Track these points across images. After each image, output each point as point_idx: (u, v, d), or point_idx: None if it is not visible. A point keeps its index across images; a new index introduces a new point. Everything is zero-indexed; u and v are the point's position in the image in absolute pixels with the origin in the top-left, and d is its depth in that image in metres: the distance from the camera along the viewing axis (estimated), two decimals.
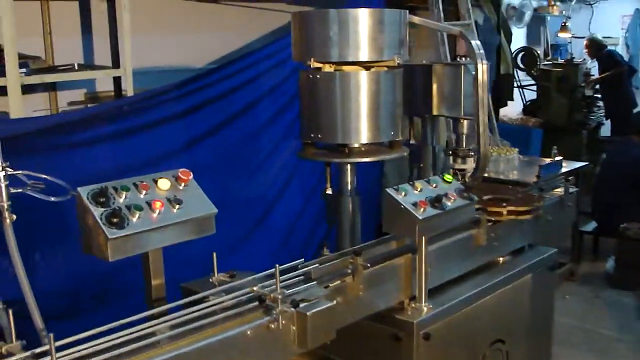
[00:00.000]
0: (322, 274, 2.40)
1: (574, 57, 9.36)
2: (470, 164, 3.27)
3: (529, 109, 9.32)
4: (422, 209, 2.45)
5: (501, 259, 3.23)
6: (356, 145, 2.88)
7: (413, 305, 2.69)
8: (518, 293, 3.16)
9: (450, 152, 3.38)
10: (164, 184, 2.21)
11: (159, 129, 4.40)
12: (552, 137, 7.64)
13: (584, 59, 9.69)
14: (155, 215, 2.11)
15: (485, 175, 3.49)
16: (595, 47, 9.64)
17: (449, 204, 2.57)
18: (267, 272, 2.26)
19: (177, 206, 2.17)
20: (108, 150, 4.17)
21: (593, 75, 9.46)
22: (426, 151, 3.47)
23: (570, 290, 5.64)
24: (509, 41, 8.34)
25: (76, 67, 4.50)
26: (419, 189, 2.56)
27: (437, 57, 5.78)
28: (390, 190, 2.50)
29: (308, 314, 2.12)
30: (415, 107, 3.42)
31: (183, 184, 2.25)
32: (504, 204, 3.11)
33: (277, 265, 2.15)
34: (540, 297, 3.39)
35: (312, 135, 2.89)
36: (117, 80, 4.70)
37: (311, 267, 2.38)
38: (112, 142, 4.18)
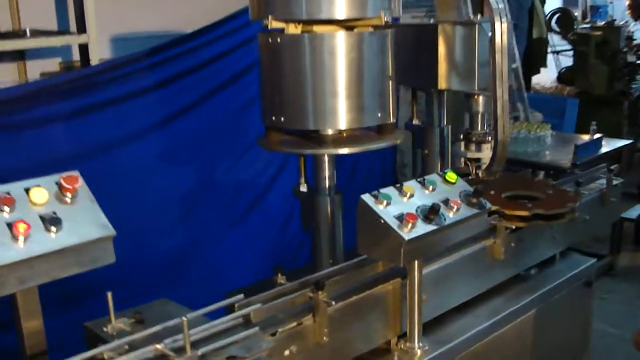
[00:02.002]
0: (268, 316, 1.74)
1: (614, 20, 8.46)
2: (486, 152, 2.56)
3: (564, 76, 8.47)
4: (409, 225, 1.76)
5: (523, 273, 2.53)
6: (331, 132, 2.19)
7: (402, 346, 2.02)
8: (546, 318, 2.46)
9: (462, 136, 2.66)
10: (39, 195, 1.56)
11: (127, 105, 3.73)
12: (589, 108, 6.85)
13: (626, 21, 8.77)
14: (19, 243, 1.47)
15: (510, 156, 2.80)
16: None
17: (450, 215, 1.87)
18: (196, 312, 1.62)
19: (54, 229, 1.51)
20: (62, 131, 3.53)
21: (636, 39, 8.56)
22: (432, 134, 2.75)
23: (609, 287, 4.89)
24: (543, 2, 7.60)
25: (28, 34, 3.87)
26: (408, 195, 1.86)
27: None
28: (366, 198, 1.81)
29: None
30: (418, 79, 2.71)
31: (69, 195, 1.59)
32: (530, 205, 2.39)
33: (185, 318, 1.48)
34: (574, 319, 2.69)
35: (275, 118, 2.20)
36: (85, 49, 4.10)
37: (252, 306, 1.71)
38: (68, 122, 3.53)
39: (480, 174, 2.43)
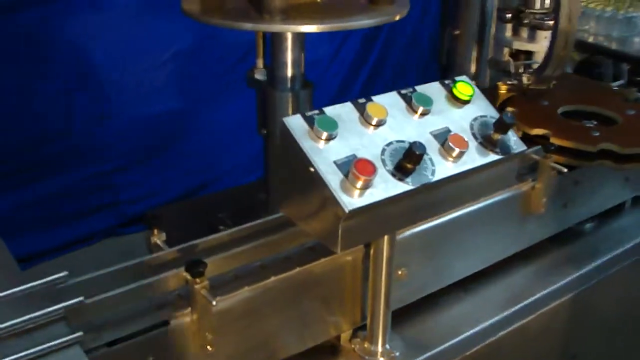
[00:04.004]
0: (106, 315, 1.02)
1: None
2: (541, 44, 1.66)
3: None
4: (359, 182, 0.96)
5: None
6: None
7: (357, 346, 1.30)
8: (599, 299, 1.68)
9: (511, 15, 1.75)
10: None
11: None
12: None
13: None
14: None
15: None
16: None
17: (445, 164, 1.06)
18: None
19: None
20: None
21: None
22: (468, 5, 1.86)
23: None
24: None
25: None
26: (373, 123, 1.04)
27: None
28: (293, 122, 1.00)
29: None
30: None
31: None
32: (597, 134, 1.54)
33: None
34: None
35: None
36: None
37: (73, 300, 0.98)
38: None
39: (525, 79, 1.56)
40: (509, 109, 1.66)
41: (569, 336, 1.64)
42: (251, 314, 1.13)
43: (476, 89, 1.17)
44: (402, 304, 1.36)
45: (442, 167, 1.04)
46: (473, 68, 1.85)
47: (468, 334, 1.39)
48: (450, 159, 1.06)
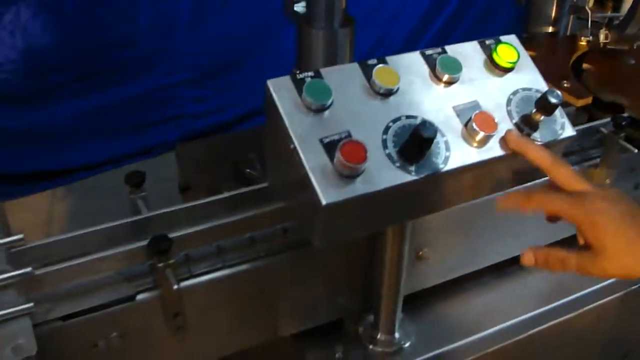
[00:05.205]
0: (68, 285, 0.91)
1: None
2: None
3: None
4: (346, 169, 0.78)
5: None
6: None
7: (362, 329, 1.16)
8: None
9: None
10: None
11: None
12: None
13: None
14: None
15: None
16: None
17: (462, 150, 0.86)
18: None
19: None
20: None
21: None
22: None
23: None
24: None
25: None
26: (381, 91, 0.85)
27: None
28: (276, 86, 0.83)
29: None
30: None
31: None
32: None
33: None
34: None
35: None
36: None
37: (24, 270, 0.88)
38: None
39: (603, 36, 1.30)
40: (585, 65, 1.41)
41: (619, 334, 1.43)
42: (232, 295, 1.00)
43: (523, 54, 0.95)
44: (420, 287, 1.20)
45: (459, 154, 0.85)
46: (553, 13, 1.59)
47: (494, 329, 1.21)
48: (474, 143, 0.86)
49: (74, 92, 3.07)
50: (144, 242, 0.93)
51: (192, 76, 3.28)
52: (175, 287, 0.88)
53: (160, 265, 0.89)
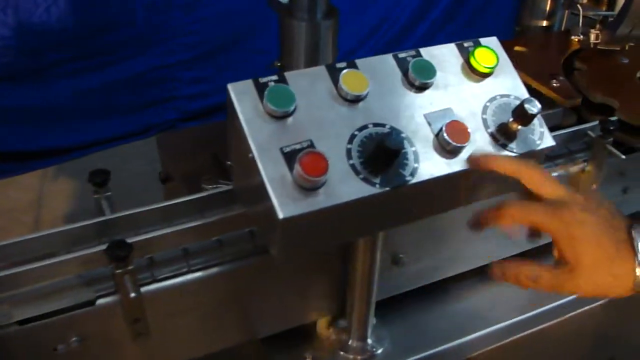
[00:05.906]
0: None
1: None
2: None
3: None
4: (306, 182, 0.75)
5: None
6: None
7: (334, 334, 1.13)
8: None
9: None
10: None
11: None
12: None
13: None
14: None
15: None
16: None
17: (433, 161, 0.82)
18: None
19: None
20: None
21: None
22: None
23: None
24: None
25: None
26: (347, 97, 0.81)
27: None
28: (237, 90, 0.79)
29: None
30: None
31: None
32: None
33: None
34: None
35: None
36: None
37: None
38: None
39: (593, 36, 1.25)
40: (577, 64, 1.36)
41: (604, 340, 1.40)
42: (197, 300, 0.97)
43: (502, 57, 0.91)
44: (397, 291, 1.17)
45: (428, 165, 0.81)
46: (548, 6, 1.54)
47: (473, 336, 1.18)
48: (445, 154, 0.82)
49: (70, 72, 3.03)
50: (104, 246, 0.90)
51: (190, 56, 3.24)
52: (133, 295, 0.85)
53: (119, 271, 0.86)
